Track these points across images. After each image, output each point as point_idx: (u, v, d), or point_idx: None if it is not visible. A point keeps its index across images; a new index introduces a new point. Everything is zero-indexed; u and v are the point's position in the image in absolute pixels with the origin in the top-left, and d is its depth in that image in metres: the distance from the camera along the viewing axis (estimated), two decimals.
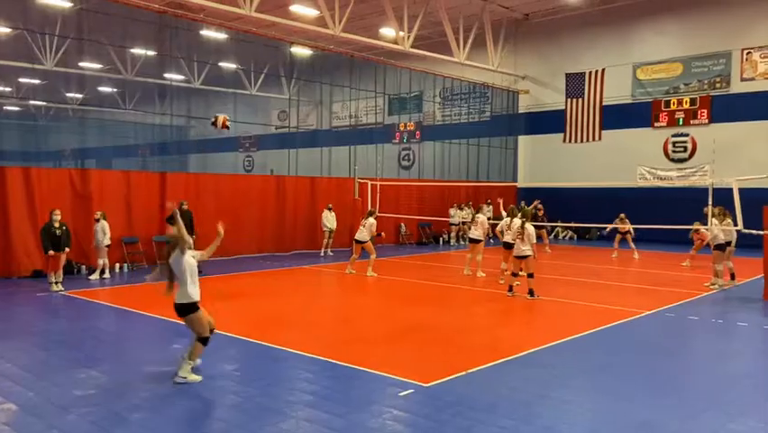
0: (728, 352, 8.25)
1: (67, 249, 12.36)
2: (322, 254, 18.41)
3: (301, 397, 6.16)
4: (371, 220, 14.49)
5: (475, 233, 14.29)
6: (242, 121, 28.09)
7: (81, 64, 27.68)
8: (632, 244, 17.95)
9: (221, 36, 22.44)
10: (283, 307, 10.73)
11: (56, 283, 12.12)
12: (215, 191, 17.27)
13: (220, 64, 28.29)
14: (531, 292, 11.28)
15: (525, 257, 11.49)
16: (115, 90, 33.68)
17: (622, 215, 18.23)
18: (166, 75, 25.76)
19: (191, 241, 6.91)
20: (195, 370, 6.58)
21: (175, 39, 19.98)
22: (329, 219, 18.75)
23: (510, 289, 11.66)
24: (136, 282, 13.31)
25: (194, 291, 6.48)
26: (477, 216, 14.64)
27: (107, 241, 13.67)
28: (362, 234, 14.35)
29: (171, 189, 16.07)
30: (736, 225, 11.93)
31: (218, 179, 18.33)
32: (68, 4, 19.98)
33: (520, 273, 11.71)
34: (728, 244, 12.60)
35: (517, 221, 12.01)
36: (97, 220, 13.65)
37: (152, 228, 15.83)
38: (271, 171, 24.57)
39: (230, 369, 7.15)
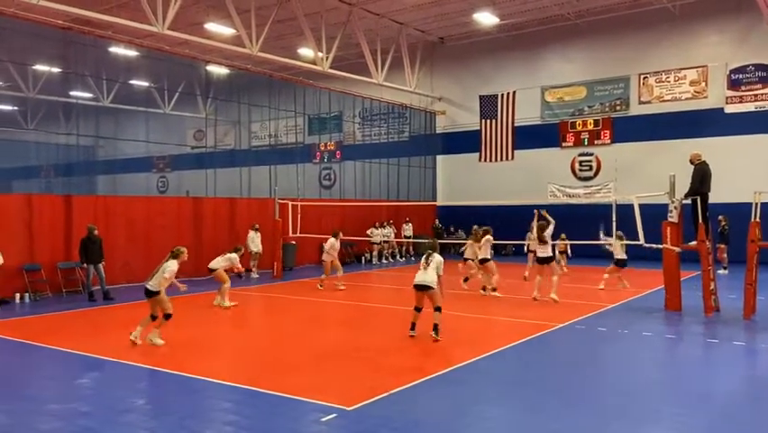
0: (635, 361, 8.71)
1: None
2: (256, 276, 17.92)
3: (219, 429, 5.94)
4: (234, 255, 13.31)
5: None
6: (155, 141, 27.12)
7: None
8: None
9: (131, 53, 21.65)
10: (201, 334, 10.33)
11: None
12: (127, 214, 16.54)
13: (131, 82, 27.27)
14: (435, 328, 9.37)
15: (428, 289, 9.45)
16: (16, 108, 31.67)
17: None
18: (72, 93, 24.53)
19: None
20: None
21: (81, 55, 19.08)
22: (254, 241, 18.24)
23: (412, 327, 9.70)
24: (38, 313, 12.45)
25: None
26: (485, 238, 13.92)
27: None
28: (217, 262, 13.06)
29: (78, 213, 15.26)
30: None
31: (130, 201, 17.56)
32: None
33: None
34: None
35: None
36: None
37: (57, 254, 14.94)
38: (187, 193, 23.80)
39: (141, 403, 6.80)
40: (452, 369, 7.90)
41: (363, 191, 25.66)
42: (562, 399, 6.80)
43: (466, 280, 15.08)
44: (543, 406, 6.54)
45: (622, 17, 23.20)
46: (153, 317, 9.33)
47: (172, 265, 9.37)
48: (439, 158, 28.36)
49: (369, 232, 22.45)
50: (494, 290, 13.91)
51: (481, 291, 14.16)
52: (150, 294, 9.29)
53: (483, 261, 14.00)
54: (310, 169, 27.61)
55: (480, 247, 14.05)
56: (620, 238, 14.08)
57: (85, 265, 13.99)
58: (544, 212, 13.80)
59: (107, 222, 15.72)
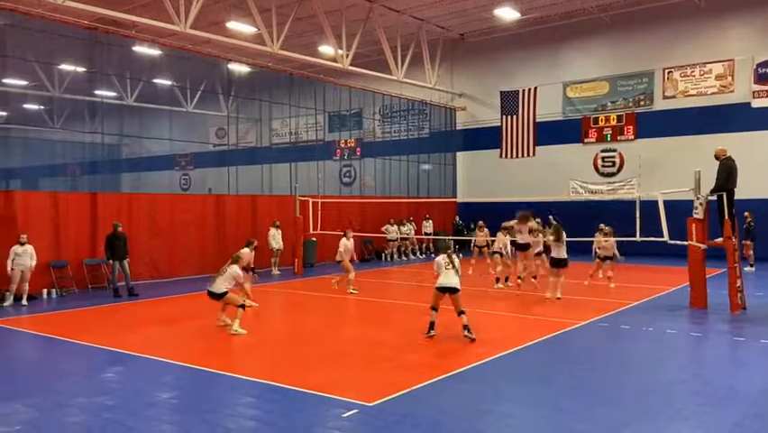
0: (660, 359, 8.59)
1: None
2: (277, 273, 18.04)
3: (242, 423, 6.01)
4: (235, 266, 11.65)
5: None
6: (178, 139, 27.43)
7: (5, 81, 26.36)
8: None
9: (154, 52, 21.90)
10: (223, 329, 10.44)
11: None
12: (150, 211, 16.75)
13: (154, 81, 27.57)
14: (467, 329, 9.09)
15: (456, 291, 9.15)
16: (42, 108, 32.25)
17: (480, 222, 18.59)
18: (97, 92, 24.89)
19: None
20: None
21: (106, 55, 19.35)
22: (276, 238, 18.32)
23: (431, 327, 9.43)
24: (65, 308, 12.69)
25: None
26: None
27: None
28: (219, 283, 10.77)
29: (103, 211, 15.50)
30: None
31: (153, 198, 17.78)
32: None
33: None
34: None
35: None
36: (23, 243, 13.13)
37: (83, 251, 15.20)
38: (209, 190, 24.04)
39: (166, 397, 6.90)
40: (473, 366, 7.87)
41: (383, 188, 25.67)
42: (585, 397, 6.74)
43: (498, 280, 14.73)
44: (566, 405, 6.49)
45: (646, 10, 22.84)
46: (242, 306, 10.17)
47: (236, 270, 10.25)
48: (459, 154, 28.24)
49: (384, 228, 22.45)
50: (507, 279, 14.67)
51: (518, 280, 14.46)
52: (217, 296, 10.12)
53: (525, 246, 14.29)
54: (330, 166, 27.69)
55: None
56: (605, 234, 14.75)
57: (110, 262, 14.22)
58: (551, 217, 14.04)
59: (132, 219, 15.95)
